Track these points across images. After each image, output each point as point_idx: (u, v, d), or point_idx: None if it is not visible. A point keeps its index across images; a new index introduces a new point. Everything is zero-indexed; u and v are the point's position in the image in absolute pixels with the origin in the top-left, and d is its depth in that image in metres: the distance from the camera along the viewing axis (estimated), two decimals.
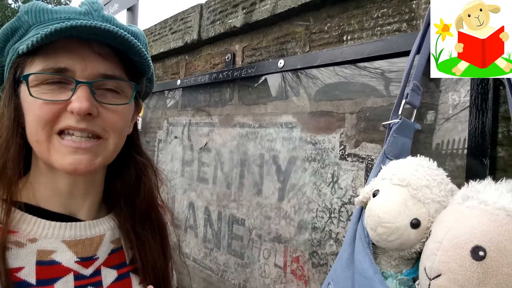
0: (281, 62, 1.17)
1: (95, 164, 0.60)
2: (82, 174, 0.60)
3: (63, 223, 0.63)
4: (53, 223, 0.62)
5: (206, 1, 1.56)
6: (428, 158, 0.68)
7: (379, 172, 0.72)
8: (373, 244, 0.68)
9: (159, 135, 1.89)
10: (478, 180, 0.60)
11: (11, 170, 0.59)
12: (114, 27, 0.57)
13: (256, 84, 1.31)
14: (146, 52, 0.63)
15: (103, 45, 0.60)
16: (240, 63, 1.41)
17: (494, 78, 0.73)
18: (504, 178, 0.59)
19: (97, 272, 0.65)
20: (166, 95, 1.85)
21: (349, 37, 1.02)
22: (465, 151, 0.76)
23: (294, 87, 1.17)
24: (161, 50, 1.85)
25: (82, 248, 0.64)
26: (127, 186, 0.72)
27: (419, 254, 0.63)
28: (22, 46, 0.56)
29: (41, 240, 0.61)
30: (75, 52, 0.58)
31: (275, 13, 1.20)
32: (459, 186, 0.65)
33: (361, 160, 0.96)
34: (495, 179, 0.61)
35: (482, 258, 0.51)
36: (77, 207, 0.67)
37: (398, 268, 0.67)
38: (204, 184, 1.55)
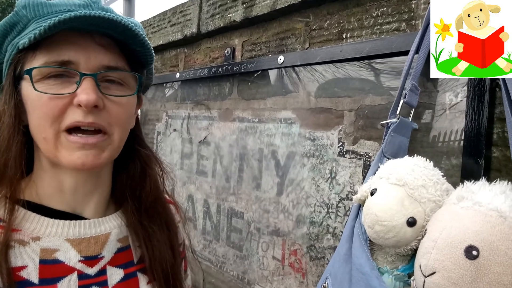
0: (281, 58, 1.18)
1: (102, 159, 0.60)
2: (89, 168, 0.59)
3: (67, 221, 0.62)
4: (56, 221, 0.61)
5: None
6: (424, 158, 0.70)
7: (377, 170, 0.74)
8: (370, 241, 0.70)
9: (158, 128, 1.90)
10: (472, 180, 0.62)
11: (13, 168, 0.58)
12: (118, 16, 0.57)
13: (255, 79, 1.32)
14: (148, 41, 0.62)
15: (104, 36, 0.59)
16: (240, 57, 1.42)
17: (490, 80, 0.74)
18: (498, 179, 0.61)
19: (103, 272, 0.63)
20: (164, 86, 1.86)
21: (348, 35, 1.03)
22: (461, 150, 0.77)
23: (293, 83, 1.18)
24: (160, 43, 1.85)
25: (87, 247, 0.63)
26: (132, 179, 0.71)
27: (414, 251, 0.66)
28: (24, 40, 0.56)
29: (44, 238, 0.60)
30: (77, 44, 0.57)
31: (275, 9, 1.20)
32: (454, 185, 0.67)
33: (359, 157, 0.97)
34: (490, 179, 0.63)
35: (475, 257, 0.53)
36: (81, 205, 0.66)
37: (394, 264, 0.69)
38: (203, 177, 1.57)
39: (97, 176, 0.67)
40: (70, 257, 0.61)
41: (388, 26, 0.94)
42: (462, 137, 0.77)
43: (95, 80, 0.57)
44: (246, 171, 1.35)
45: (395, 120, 0.79)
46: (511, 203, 0.55)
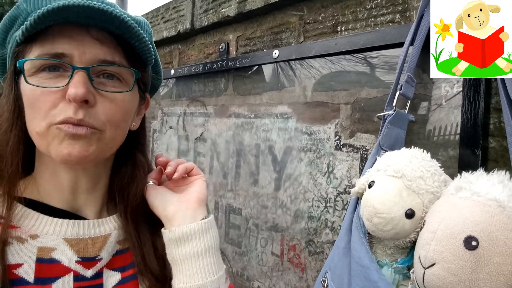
0: (275, 53, 1.17)
1: (89, 151, 0.57)
2: (76, 160, 0.56)
3: (66, 220, 0.61)
4: (55, 219, 0.60)
5: None
6: (422, 149, 0.70)
7: (374, 163, 0.74)
8: (368, 233, 0.70)
9: (154, 125, 1.89)
10: (470, 170, 0.62)
11: (10, 163, 0.57)
12: (110, 7, 0.54)
13: (251, 74, 1.32)
14: (145, 36, 0.60)
15: (102, 31, 0.57)
16: (234, 53, 1.41)
17: None
18: (496, 169, 0.60)
19: (99, 274, 0.62)
20: None
21: (343, 28, 1.02)
22: (458, 141, 0.77)
23: (289, 78, 1.17)
24: (154, 39, 1.83)
25: (84, 248, 0.61)
26: (121, 182, 0.69)
27: (413, 243, 0.65)
28: (18, 32, 0.55)
29: (42, 236, 0.59)
30: (72, 37, 0.56)
31: (269, 3, 1.19)
32: (452, 176, 0.67)
33: (356, 151, 0.97)
34: (487, 169, 0.63)
35: (475, 247, 0.53)
36: (81, 204, 0.65)
37: (393, 257, 0.69)
38: None
39: (94, 174, 0.65)
40: (67, 257, 0.59)
41: (382, 18, 0.93)
42: (459, 128, 0.77)
43: (88, 74, 0.56)
44: (243, 167, 1.34)
45: (391, 112, 0.78)
46: (509, 193, 0.55)
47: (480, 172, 0.61)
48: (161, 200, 0.67)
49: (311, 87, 1.10)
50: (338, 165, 1.01)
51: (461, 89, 0.78)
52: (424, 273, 0.57)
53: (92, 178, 0.65)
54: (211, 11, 1.46)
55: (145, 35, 0.61)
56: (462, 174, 0.62)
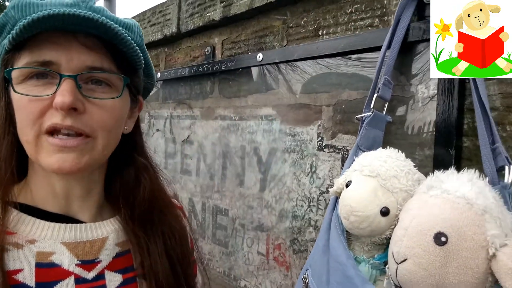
0: (259, 56, 1.19)
1: (81, 163, 0.57)
2: (67, 173, 0.56)
3: (63, 224, 0.61)
4: (52, 224, 0.60)
5: None
6: (397, 150, 0.72)
7: (352, 163, 0.76)
8: (346, 231, 0.72)
9: (141, 128, 1.89)
10: (444, 169, 0.65)
11: (3, 170, 0.58)
12: (95, 14, 0.54)
13: (236, 77, 1.34)
14: (132, 42, 0.59)
15: (90, 37, 0.56)
16: (220, 56, 1.43)
17: None
18: (466, 168, 0.63)
19: (101, 276, 0.62)
20: None
21: (324, 32, 1.05)
22: (433, 141, 0.80)
23: (273, 80, 1.20)
24: None
25: (83, 251, 0.61)
26: (125, 187, 0.68)
27: (389, 240, 0.67)
28: (6, 40, 0.55)
29: (40, 241, 0.58)
30: (60, 44, 0.55)
31: (253, 7, 1.21)
32: (428, 174, 0.70)
33: (337, 151, 1.00)
34: (461, 168, 0.65)
35: (444, 243, 0.56)
36: (76, 209, 0.64)
37: (371, 253, 0.71)
38: (187, 176, 1.57)
39: (88, 180, 0.65)
40: (67, 260, 0.60)
41: (362, 22, 0.96)
42: (434, 128, 0.80)
43: (76, 81, 0.55)
44: (230, 169, 1.36)
45: (369, 114, 0.81)
46: (478, 190, 0.58)
47: (451, 171, 0.63)
48: None
49: (294, 89, 1.12)
50: (321, 165, 1.04)
51: (436, 91, 0.80)
52: (397, 268, 0.59)
53: (85, 185, 0.64)
54: (196, 15, 1.48)
55: (134, 39, 0.61)
56: (434, 173, 0.65)
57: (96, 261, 0.62)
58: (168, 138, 1.70)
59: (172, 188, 0.80)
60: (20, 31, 0.51)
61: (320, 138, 1.04)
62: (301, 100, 1.11)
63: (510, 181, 0.63)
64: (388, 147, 0.74)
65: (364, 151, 0.79)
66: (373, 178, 0.67)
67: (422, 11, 0.84)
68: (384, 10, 0.92)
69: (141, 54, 0.62)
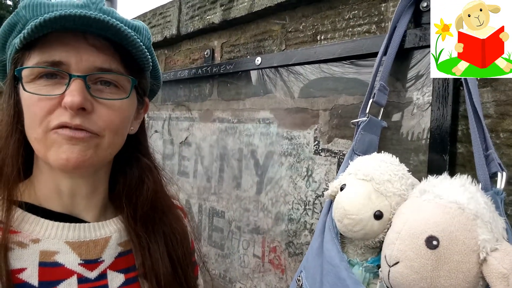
0: (258, 60, 1.21)
1: (87, 156, 0.57)
2: (74, 166, 0.56)
3: (66, 224, 0.61)
4: (56, 223, 0.61)
5: None
6: (391, 154, 0.73)
7: (347, 167, 0.77)
8: (340, 234, 0.73)
9: None
10: (435, 175, 0.66)
11: (10, 167, 0.58)
12: (106, 16, 0.55)
13: (234, 80, 1.35)
14: (141, 44, 0.60)
15: (99, 38, 0.57)
16: (219, 59, 1.44)
17: (454, 80, 0.78)
18: (459, 173, 0.64)
19: (103, 276, 0.62)
20: None
21: (322, 37, 1.06)
22: (428, 147, 0.81)
23: (271, 84, 1.21)
24: None
25: (86, 250, 0.61)
26: (128, 186, 0.69)
27: (382, 243, 0.69)
28: (17, 40, 0.55)
29: (44, 240, 0.59)
30: (70, 45, 0.56)
31: (252, 11, 1.23)
32: (422, 180, 0.71)
33: (333, 155, 1.01)
34: (455, 173, 0.66)
35: (436, 247, 0.57)
36: (81, 208, 0.65)
37: (364, 256, 0.72)
38: (184, 178, 1.58)
39: (94, 178, 0.65)
40: (70, 260, 0.60)
41: (359, 29, 0.97)
42: (428, 134, 0.81)
43: (85, 81, 0.56)
44: (227, 171, 1.37)
45: (364, 119, 0.82)
46: (469, 196, 0.59)
47: (444, 176, 0.65)
48: None
49: (292, 93, 1.13)
50: (317, 169, 1.05)
51: (431, 97, 0.81)
52: (389, 271, 0.60)
53: (91, 184, 0.65)
54: (197, 17, 1.49)
55: (142, 41, 0.62)
56: (428, 178, 0.66)
57: (98, 260, 0.62)
58: (166, 140, 1.71)
59: (173, 189, 0.81)
60: (31, 31, 0.52)
61: (316, 142, 1.05)
62: (298, 104, 1.12)
63: (502, 187, 0.64)
64: (383, 152, 0.75)
65: (359, 155, 0.80)
66: (367, 182, 0.68)
67: (418, 19, 0.85)
68: (381, 17, 0.93)
69: (149, 56, 0.63)
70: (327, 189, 1.00)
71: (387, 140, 0.88)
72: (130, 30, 0.57)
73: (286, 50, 1.17)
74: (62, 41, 0.56)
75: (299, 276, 0.79)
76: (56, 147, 0.56)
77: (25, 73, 0.56)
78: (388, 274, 0.60)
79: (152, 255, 0.67)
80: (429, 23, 0.82)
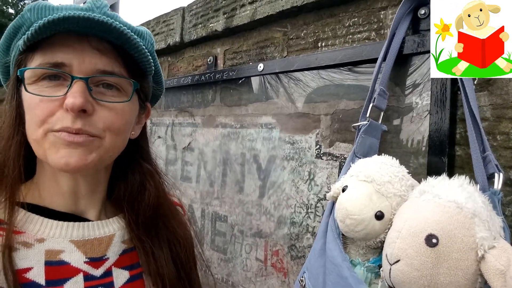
0: (260, 66, 1.23)
1: (88, 160, 0.57)
2: (73, 169, 0.57)
3: (70, 223, 0.62)
4: (60, 222, 0.61)
5: (188, 5, 1.61)
6: (391, 156, 0.75)
7: (349, 169, 0.79)
8: (343, 235, 0.75)
9: None
10: (434, 176, 0.68)
11: (12, 168, 0.58)
12: (109, 19, 0.55)
13: (237, 86, 1.37)
14: (144, 47, 0.60)
15: (102, 41, 0.58)
16: (222, 65, 1.47)
17: (452, 84, 0.80)
18: (457, 174, 0.66)
19: (108, 273, 0.63)
20: None
21: (323, 44, 1.09)
22: (427, 150, 0.83)
23: (273, 90, 1.23)
24: None
25: (91, 248, 0.62)
26: (130, 192, 0.69)
27: (384, 243, 0.70)
28: (21, 41, 0.56)
29: (48, 240, 0.59)
30: (73, 47, 0.56)
31: (254, 19, 1.26)
32: (421, 181, 0.73)
33: (335, 159, 1.03)
34: (454, 175, 0.68)
35: (435, 245, 0.58)
36: (83, 207, 0.66)
37: (366, 257, 0.74)
38: (187, 183, 1.60)
39: (94, 179, 0.66)
40: (75, 258, 0.60)
41: (359, 35, 1.00)
42: (428, 138, 0.83)
43: (87, 83, 0.56)
44: (229, 176, 1.39)
45: (365, 122, 0.84)
46: (467, 195, 0.61)
47: (443, 177, 0.66)
48: None
49: (293, 99, 1.16)
50: (319, 172, 1.07)
51: (429, 101, 0.84)
52: (390, 269, 0.62)
53: (92, 183, 0.66)
54: (200, 25, 1.52)
55: (145, 46, 0.62)
56: (427, 179, 0.67)
57: (103, 258, 0.63)
58: (169, 145, 1.73)
59: (174, 191, 0.82)
60: (35, 32, 0.53)
61: (318, 146, 1.08)
62: (300, 109, 1.14)
63: (499, 187, 0.66)
64: (383, 154, 0.77)
65: (360, 158, 0.81)
66: (369, 183, 0.70)
67: (416, 25, 0.88)
68: (381, 24, 0.96)
69: (151, 60, 0.63)
70: (329, 192, 1.03)
71: (387, 143, 0.90)
72: (132, 34, 0.58)
73: (287, 56, 1.19)
74: (65, 43, 0.56)
75: (302, 277, 0.80)
76: (54, 150, 0.56)
77: (27, 74, 0.57)
78: (390, 272, 0.62)
79: (157, 260, 0.68)
80: (427, 30, 0.85)
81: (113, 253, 0.65)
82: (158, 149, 1.79)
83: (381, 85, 0.85)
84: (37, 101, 0.56)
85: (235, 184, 1.36)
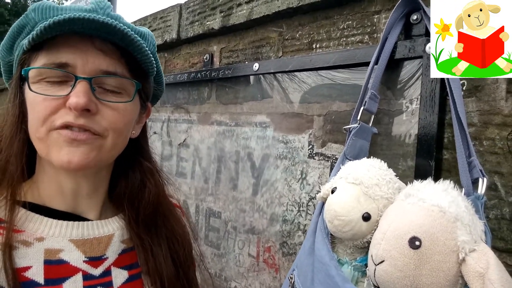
0: (256, 66, 1.25)
1: (90, 158, 0.58)
2: (76, 168, 0.57)
3: (70, 222, 0.63)
4: (59, 221, 0.62)
5: (185, 2, 1.62)
6: (379, 160, 0.77)
7: (339, 171, 0.81)
8: (331, 234, 0.77)
9: None
10: (424, 179, 0.70)
11: (14, 166, 0.59)
12: (114, 21, 0.56)
13: (233, 85, 1.39)
14: (147, 49, 0.61)
15: (105, 42, 0.59)
16: (218, 63, 1.48)
17: (441, 89, 0.82)
18: (442, 178, 0.68)
19: (107, 272, 0.63)
20: None
21: (318, 45, 1.10)
22: (415, 153, 0.85)
23: (268, 89, 1.25)
24: None
25: (90, 248, 0.63)
26: (131, 190, 0.70)
27: (370, 243, 0.73)
28: (25, 41, 0.57)
29: (48, 239, 0.60)
30: (76, 48, 0.57)
31: (251, 18, 1.27)
32: (408, 184, 0.75)
33: (326, 159, 1.05)
34: (441, 178, 0.70)
35: (418, 247, 0.60)
36: (83, 206, 0.66)
37: (353, 256, 0.76)
38: (182, 179, 1.62)
39: (95, 178, 0.67)
40: (75, 257, 0.61)
41: (353, 38, 1.02)
42: (416, 141, 0.85)
43: (90, 84, 0.57)
44: (224, 173, 1.41)
45: (356, 125, 0.86)
46: (451, 199, 0.63)
47: (428, 181, 0.69)
48: None
49: (288, 99, 1.18)
50: (311, 172, 1.09)
51: (419, 106, 0.86)
52: (375, 269, 0.64)
53: (93, 183, 0.66)
54: (196, 23, 1.53)
55: (148, 47, 0.63)
56: (413, 182, 0.70)
57: (103, 257, 0.64)
58: (164, 141, 1.75)
59: (170, 189, 0.83)
60: (40, 32, 0.53)
61: (311, 146, 1.10)
62: (294, 109, 1.16)
63: (483, 192, 0.69)
64: (373, 157, 0.80)
65: (350, 160, 0.84)
66: (357, 185, 0.72)
67: (409, 31, 0.90)
68: (374, 28, 0.97)
69: (154, 61, 0.65)
70: (320, 192, 1.05)
71: (377, 145, 0.92)
72: (136, 36, 0.59)
73: (283, 57, 1.21)
74: (69, 44, 0.57)
75: (292, 274, 0.83)
76: (57, 148, 0.57)
77: (31, 73, 0.58)
78: (374, 272, 0.64)
79: (155, 258, 0.69)
80: (418, 35, 0.87)
81: (112, 252, 0.65)
82: (154, 144, 1.81)
83: (373, 88, 0.87)
84: (40, 99, 0.57)
85: (229, 181, 1.38)
